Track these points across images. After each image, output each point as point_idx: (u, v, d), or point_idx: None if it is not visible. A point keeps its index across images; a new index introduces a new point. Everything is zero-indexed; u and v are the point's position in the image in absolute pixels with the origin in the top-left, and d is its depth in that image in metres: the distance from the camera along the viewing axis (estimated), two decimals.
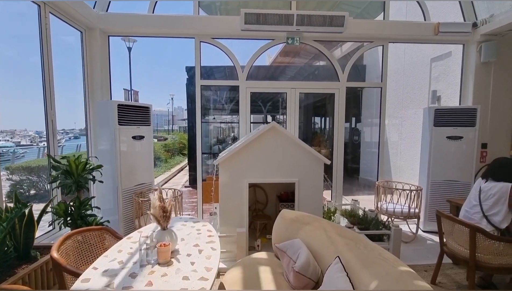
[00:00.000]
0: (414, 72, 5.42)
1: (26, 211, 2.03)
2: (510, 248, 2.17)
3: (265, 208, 3.63)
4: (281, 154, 2.91)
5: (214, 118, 8.39)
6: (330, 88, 4.00)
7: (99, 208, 2.96)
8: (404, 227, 3.61)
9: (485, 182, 2.37)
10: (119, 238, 2.08)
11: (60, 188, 2.94)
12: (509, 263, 2.16)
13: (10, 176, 5.59)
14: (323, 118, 9.70)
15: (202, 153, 4.02)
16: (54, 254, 1.72)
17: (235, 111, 7.51)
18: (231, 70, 4.05)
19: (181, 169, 11.07)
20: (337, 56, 5.22)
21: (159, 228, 1.72)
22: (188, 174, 8.36)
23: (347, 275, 1.47)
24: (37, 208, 2.33)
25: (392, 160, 6.06)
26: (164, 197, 1.89)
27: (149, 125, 3.58)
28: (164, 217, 1.66)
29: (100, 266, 1.51)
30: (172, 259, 1.59)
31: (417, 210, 3.50)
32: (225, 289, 1.82)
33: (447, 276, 2.73)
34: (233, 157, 2.86)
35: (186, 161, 11.77)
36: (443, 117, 3.62)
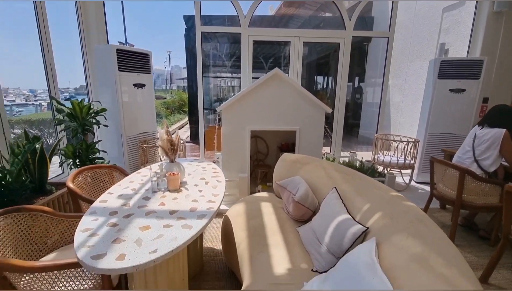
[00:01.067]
0: (424, 23, 5.16)
1: (38, 148, 2.11)
2: (495, 189, 2.32)
3: (266, 158, 3.75)
4: (283, 102, 2.92)
5: (215, 76, 8.19)
6: (336, 37, 3.85)
7: (106, 152, 3.06)
8: (398, 179, 3.78)
9: (481, 128, 2.43)
10: (128, 175, 2.20)
11: (65, 134, 3.01)
12: (492, 203, 2.33)
13: (11, 130, 5.62)
14: (325, 78, 9.48)
15: (204, 109, 4.00)
16: (70, 184, 1.84)
17: (236, 68, 7.28)
18: (232, 20, 3.85)
19: (181, 126, 11.12)
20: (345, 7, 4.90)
21: (167, 161, 1.82)
22: (189, 131, 8.43)
23: (343, 202, 1.60)
24: None
25: (393, 117, 6.09)
26: None
27: (149, 73, 3.52)
28: (172, 150, 1.74)
29: (114, 192, 1.63)
30: (181, 188, 1.71)
31: (412, 162, 3.64)
32: (230, 222, 1.98)
33: (433, 218, 2.96)
34: (236, 104, 2.88)
35: (186, 119, 11.77)
36: (448, 69, 3.55)
